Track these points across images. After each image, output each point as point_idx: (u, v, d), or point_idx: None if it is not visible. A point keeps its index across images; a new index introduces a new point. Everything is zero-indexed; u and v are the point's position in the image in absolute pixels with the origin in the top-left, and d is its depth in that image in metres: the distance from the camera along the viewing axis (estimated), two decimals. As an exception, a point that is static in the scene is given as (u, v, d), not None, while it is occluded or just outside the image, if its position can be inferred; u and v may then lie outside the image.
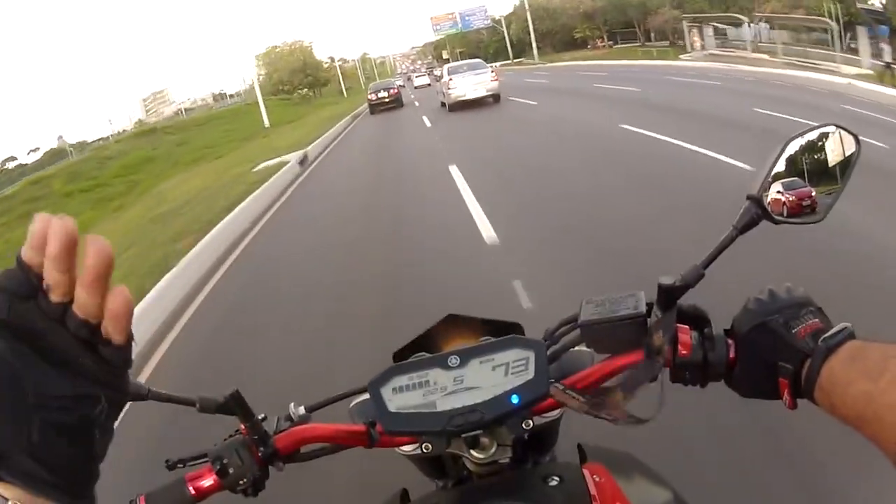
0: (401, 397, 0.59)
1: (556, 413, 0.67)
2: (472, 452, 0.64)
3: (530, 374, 0.57)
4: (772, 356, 0.51)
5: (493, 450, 0.64)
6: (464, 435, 0.59)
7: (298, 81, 53.97)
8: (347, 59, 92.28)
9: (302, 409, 0.68)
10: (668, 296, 0.56)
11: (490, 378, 0.58)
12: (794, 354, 0.49)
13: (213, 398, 0.61)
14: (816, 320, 0.51)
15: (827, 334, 0.48)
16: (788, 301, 0.52)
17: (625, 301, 0.58)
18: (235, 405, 0.60)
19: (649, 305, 0.58)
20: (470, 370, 0.58)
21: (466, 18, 57.99)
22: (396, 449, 0.72)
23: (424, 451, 0.61)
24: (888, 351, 0.44)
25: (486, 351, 0.59)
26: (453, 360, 0.59)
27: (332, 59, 62.90)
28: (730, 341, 0.55)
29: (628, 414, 0.55)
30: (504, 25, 53.37)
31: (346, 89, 57.72)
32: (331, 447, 0.65)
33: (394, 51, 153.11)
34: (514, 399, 0.57)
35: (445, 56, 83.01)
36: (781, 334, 0.51)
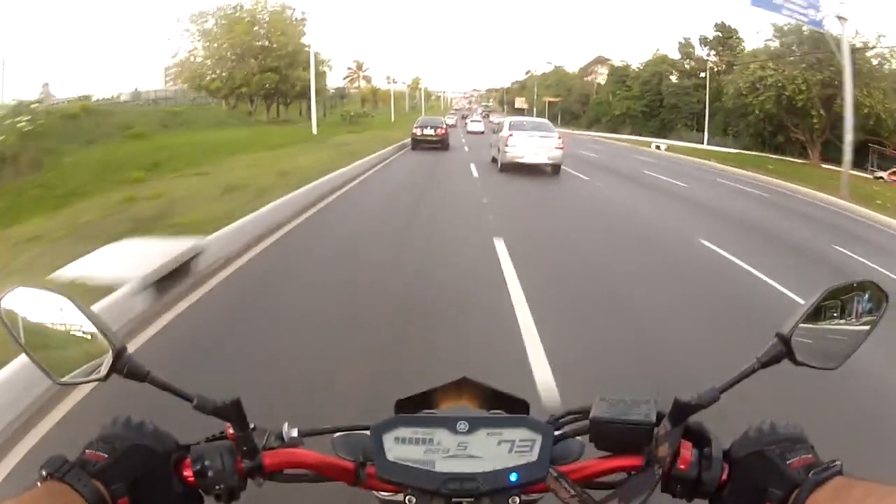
0: (402, 448, 0.59)
1: (538, 496, 0.66)
2: None
3: (533, 457, 0.59)
4: (763, 482, 0.56)
5: None
6: (454, 500, 0.60)
7: (242, 78, 29.93)
8: (395, 80, 70.87)
9: (295, 432, 0.67)
10: (681, 411, 0.59)
11: (494, 451, 0.59)
12: (785, 483, 0.55)
13: (211, 399, 0.61)
14: (810, 455, 0.56)
15: (817, 468, 0.53)
16: (785, 434, 0.58)
17: (637, 407, 0.62)
18: (233, 413, 0.60)
19: (659, 415, 0.61)
20: (475, 439, 0.60)
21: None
22: (375, 492, 0.71)
23: (407, 503, 0.61)
24: (871, 489, 0.48)
25: (496, 424, 0.60)
26: (462, 426, 0.60)
27: (359, 67, 36.84)
28: (725, 464, 0.59)
29: None
30: (841, 45, 16.92)
31: (348, 117, 33.69)
32: (314, 476, 0.65)
33: (452, 87, 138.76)
34: (513, 477, 0.58)
35: (520, 105, 65.87)
36: (776, 463, 0.56)
